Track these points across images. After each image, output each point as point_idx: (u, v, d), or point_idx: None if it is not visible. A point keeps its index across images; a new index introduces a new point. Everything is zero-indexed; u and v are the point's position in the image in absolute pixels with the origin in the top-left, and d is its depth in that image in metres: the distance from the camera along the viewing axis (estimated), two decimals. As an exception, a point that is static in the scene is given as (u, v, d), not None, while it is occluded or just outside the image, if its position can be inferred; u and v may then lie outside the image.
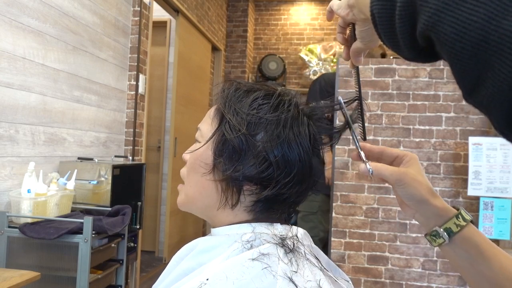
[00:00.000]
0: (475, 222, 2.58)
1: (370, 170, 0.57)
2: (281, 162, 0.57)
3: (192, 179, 0.63)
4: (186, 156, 0.65)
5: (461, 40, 0.31)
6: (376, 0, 0.41)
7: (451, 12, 0.31)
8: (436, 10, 0.33)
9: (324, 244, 2.97)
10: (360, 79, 0.64)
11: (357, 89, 0.63)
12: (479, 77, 0.32)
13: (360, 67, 0.64)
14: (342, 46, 0.62)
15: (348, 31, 0.60)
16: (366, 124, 0.64)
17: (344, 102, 0.62)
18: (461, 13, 0.31)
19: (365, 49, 0.58)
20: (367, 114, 2.73)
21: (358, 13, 0.53)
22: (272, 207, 0.59)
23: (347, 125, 0.62)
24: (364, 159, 0.59)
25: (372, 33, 0.53)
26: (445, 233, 0.57)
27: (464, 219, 0.57)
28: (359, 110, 0.62)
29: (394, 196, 2.95)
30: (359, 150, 0.60)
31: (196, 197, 0.63)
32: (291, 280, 0.51)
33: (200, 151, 0.62)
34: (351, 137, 0.61)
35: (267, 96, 0.60)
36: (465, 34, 0.31)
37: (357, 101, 0.62)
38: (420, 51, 0.40)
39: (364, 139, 0.63)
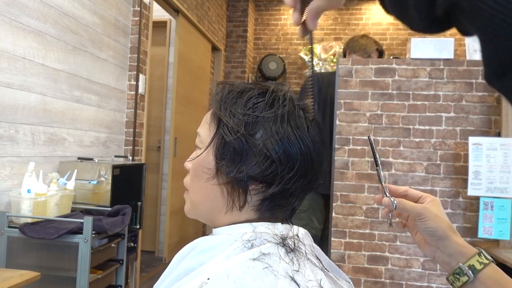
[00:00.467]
0: (475, 222, 2.58)
1: (395, 203, 0.59)
2: (283, 157, 0.57)
3: (197, 185, 0.63)
4: (188, 164, 0.65)
5: (503, 11, 0.26)
6: None
7: None
8: None
9: (316, 243, 2.96)
10: (313, 48, 0.63)
11: (311, 59, 0.61)
12: None
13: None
14: (299, 16, 0.53)
15: None
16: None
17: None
18: None
19: (327, 8, 0.50)
20: (367, 114, 2.73)
21: None
22: (278, 203, 0.59)
23: (375, 165, 0.65)
24: (388, 194, 0.62)
25: None
26: (469, 271, 0.57)
27: (486, 258, 0.58)
28: (311, 83, 0.65)
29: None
30: (383, 186, 0.63)
31: (202, 203, 0.63)
32: (292, 279, 0.51)
33: (201, 157, 0.62)
34: (377, 177, 0.65)
35: (261, 94, 0.60)
36: (509, 2, 0.25)
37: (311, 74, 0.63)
38: (434, 20, 0.34)
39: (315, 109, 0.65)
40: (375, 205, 2.71)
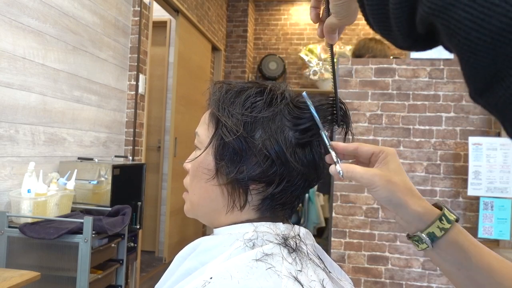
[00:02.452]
0: (475, 222, 2.58)
1: (340, 172, 0.53)
2: (283, 157, 0.57)
3: (196, 186, 0.62)
4: (188, 165, 0.64)
5: (478, 29, 0.25)
6: None
7: None
8: None
9: None
10: (335, 63, 0.60)
11: (332, 69, 0.60)
12: (496, 74, 0.27)
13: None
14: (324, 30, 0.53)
15: (322, 5, 0.54)
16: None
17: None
18: None
19: (339, 25, 0.51)
20: (367, 114, 2.73)
21: None
22: (279, 202, 0.59)
23: (316, 123, 0.57)
24: (335, 160, 0.55)
25: (348, 7, 0.48)
26: (428, 239, 0.52)
27: (448, 221, 0.52)
28: (333, 95, 0.58)
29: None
30: (330, 150, 0.56)
31: (202, 204, 0.62)
32: (296, 279, 0.51)
33: (201, 158, 0.61)
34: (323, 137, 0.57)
35: (259, 93, 0.59)
36: (483, 20, 0.25)
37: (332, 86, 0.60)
38: (417, 38, 0.33)
39: (338, 125, 0.58)
40: (375, 205, 2.71)
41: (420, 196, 0.54)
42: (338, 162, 0.55)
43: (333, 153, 0.56)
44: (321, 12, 0.54)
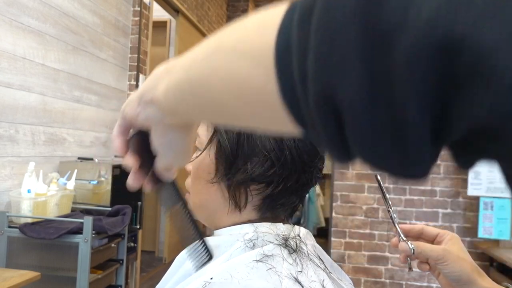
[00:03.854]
0: (475, 222, 2.58)
1: (413, 248, 0.55)
2: (282, 157, 0.57)
3: (197, 187, 0.62)
4: (189, 166, 0.65)
5: None
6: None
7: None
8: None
9: None
10: None
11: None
12: None
13: None
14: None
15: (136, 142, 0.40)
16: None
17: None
18: None
19: (174, 166, 0.41)
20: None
21: (157, 115, 0.34)
22: (280, 202, 0.59)
23: (384, 200, 0.62)
24: (404, 238, 0.58)
25: (183, 143, 0.37)
26: None
27: None
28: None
29: (395, 196, 2.94)
30: (398, 229, 0.59)
31: (203, 205, 0.63)
32: (296, 280, 0.51)
33: (201, 159, 0.62)
34: (390, 218, 0.62)
35: None
36: None
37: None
38: (438, 151, 0.22)
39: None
40: (375, 205, 2.71)
41: (485, 275, 0.55)
42: (408, 241, 0.58)
43: (400, 232, 0.59)
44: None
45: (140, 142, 0.39)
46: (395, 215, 0.61)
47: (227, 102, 0.26)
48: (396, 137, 0.19)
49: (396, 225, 0.59)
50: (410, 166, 0.21)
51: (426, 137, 0.19)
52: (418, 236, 0.60)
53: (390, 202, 0.62)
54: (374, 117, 0.19)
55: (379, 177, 0.61)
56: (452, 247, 0.56)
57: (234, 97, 0.25)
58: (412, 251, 0.55)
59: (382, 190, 0.62)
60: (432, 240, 0.59)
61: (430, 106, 0.18)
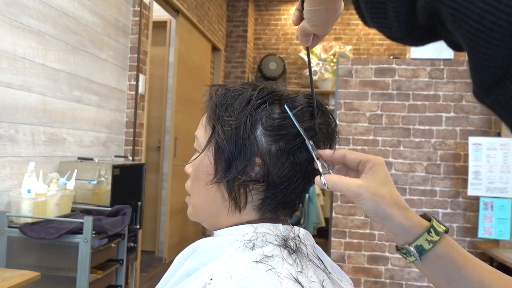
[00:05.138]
0: (475, 222, 2.58)
1: (325, 183, 0.52)
2: (281, 157, 0.57)
3: (197, 189, 0.63)
4: (189, 168, 0.65)
5: (493, 11, 0.22)
6: None
7: None
8: None
9: None
10: (311, 62, 0.61)
11: (309, 72, 0.60)
12: (510, 67, 0.23)
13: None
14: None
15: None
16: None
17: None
18: None
19: (310, 32, 0.52)
20: (367, 114, 2.73)
21: None
22: (280, 202, 0.59)
23: (299, 131, 0.56)
24: (320, 170, 0.54)
25: (321, 17, 0.48)
26: (416, 252, 0.51)
27: (437, 233, 0.50)
28: (310, 98, 0.58)
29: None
30: (315, 158, 0.55)
31: (203, 206, 0.63)
32: (296, 280, 0.51)
33: (200, 160, 0.62)
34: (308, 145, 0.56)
35: (255, 95, 0.59)
36: (500, 2, 0.22)
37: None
38: (414, 29, 0.30)
39: (315, 132, 0.57)
40: (375, 205, 2.71)
41: (407, 208, 0.52)
42: (324, 173, 0.53)
43: (318, 163, 0.54)
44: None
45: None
46: (311, 142, 0.55)
47: None
48: (383, 15, 0.31)
49: (313, 150, 0.55)
50: (393, 35, 0.32)
51: (402, 11, 0.29)
52: (342, 162, 0.57)
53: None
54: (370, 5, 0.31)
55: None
56: (372, 179, 0.52)
57: None
58: (326, 186, 0.52)
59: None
60: (356, 167, 0.56)
61: (403, 10, 0.29)
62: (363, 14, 0.33)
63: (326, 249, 2.81)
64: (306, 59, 0.56)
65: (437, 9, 0.25)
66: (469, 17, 0.23)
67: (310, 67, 0.60)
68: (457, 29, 0.25)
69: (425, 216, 0.54)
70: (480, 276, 0.50)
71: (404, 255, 0.53)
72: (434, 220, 0.52)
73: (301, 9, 0.53)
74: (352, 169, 0.57)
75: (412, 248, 0.51)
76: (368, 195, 0.50)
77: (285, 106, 0.57)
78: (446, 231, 0.52)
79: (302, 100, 0.58)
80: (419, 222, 0.52)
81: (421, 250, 0.51)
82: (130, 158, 2.98)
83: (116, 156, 2.82)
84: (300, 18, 0.54)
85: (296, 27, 0.55)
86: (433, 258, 0.51)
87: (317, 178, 0.54)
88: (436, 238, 0.50)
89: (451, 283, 0.51)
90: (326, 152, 0.56)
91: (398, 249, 0.54)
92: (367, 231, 2.72)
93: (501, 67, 0.24)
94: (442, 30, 0.27)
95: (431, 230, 0.51)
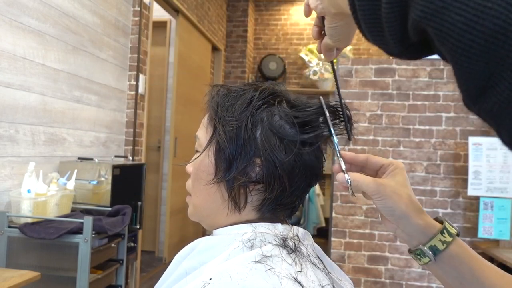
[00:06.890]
0: (475, 222, 2.58)
1: (349, 180, 0.53)
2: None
3: (197, 188, 0.63)
4: (190, 168, 0.65)
5: (471, 31, 0.25)
6: None
7: None
8: None
9: None
10: (337, 74, 0.62)
11: (335, 83, 0.61)
12: (490, 79, 0.26)
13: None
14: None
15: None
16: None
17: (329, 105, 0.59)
18: None
19: (333, 46, 0.54)
20: (367, 114, 2.73)
21: (327, 6, 0.48)
22: (280, 202, 0.59)
23: (328, 129, 0.57)
24: (343, 169, 0.55)
25: (342, 32, 0.50)
26: (430, 252, 0.53)
27: (449, 234, 0.53)
28: (339, 108, 0.59)
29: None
30: (339, 158, 0.56)
31: (204, 206, 0.63)
32: (296, 280, 0.51)
33: (201, 160, 0.62)
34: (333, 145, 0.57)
35: (256, 96, 0.59)
36: (476, 23, 0.25)
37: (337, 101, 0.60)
38: (409, 46, 0.33)
39: (349, 138, 0.59)
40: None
41: (422, 210, 0.54)
42: (346, 172, 0.55)
43: (341, 161, 0.56)
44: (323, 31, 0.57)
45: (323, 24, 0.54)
46: (337, 140, 0.57)
47: None
48: (379, 27, 0.33)
49: (338, 151, 0.56)
50: (391, 51, 0.35)
51: (396, 30, 0.32)
52: (363, 166, 0.58)
53: (333, 130, 0.58)
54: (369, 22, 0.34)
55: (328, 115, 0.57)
56: (392, 180, 0.54)
57: None
58: (349, 183, 0.53)
59: (336, 78, 0.61)
60: (377, 170, 0.58)
61: (397, 12, 0.31)
62: (364, 32, 0.36)
63: (326, 249, 2.81)
64: (331, 71, 0.58)
65: (424, 29, 0.29)
66: (451, 36, 0.26)
67: (336, 79, 0.62)
68: (442, 46, 0.28)
69: (437, 219, 0.56)
70: (490, 278, 0.51)
71: (418, 257, 0.54)
72: (446, 222, 0.54)
73: (319, 25, 0.55)
74: (369, 174, 0.58)
75: (426, 248, 0.53)
76: (387, 193, 0.52)
77: (320, 98, 0.58)
78: (458, 234, 0.54)
79: (322, 102, 0.60)
80: (433, 223, 0.54)
81: (435, 251, 0.53)
82: (130, 158, 2.98)
83: (116, 156, 2.82)
84: (319, 34, 0.56)
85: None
86: (447, 259, 0.53)
87: (339, 175, 0.55)
88: (449, 239, 0.52)
89: (463, 283, 0.52)
90: (348, 154, 0.58)
91: (411, 251, 0.56)
92: (367, 231, 2.72)
93: (482, 79, 0.26)
94: (433, 45, 0.30)
95: (444, 231, 0.53)
